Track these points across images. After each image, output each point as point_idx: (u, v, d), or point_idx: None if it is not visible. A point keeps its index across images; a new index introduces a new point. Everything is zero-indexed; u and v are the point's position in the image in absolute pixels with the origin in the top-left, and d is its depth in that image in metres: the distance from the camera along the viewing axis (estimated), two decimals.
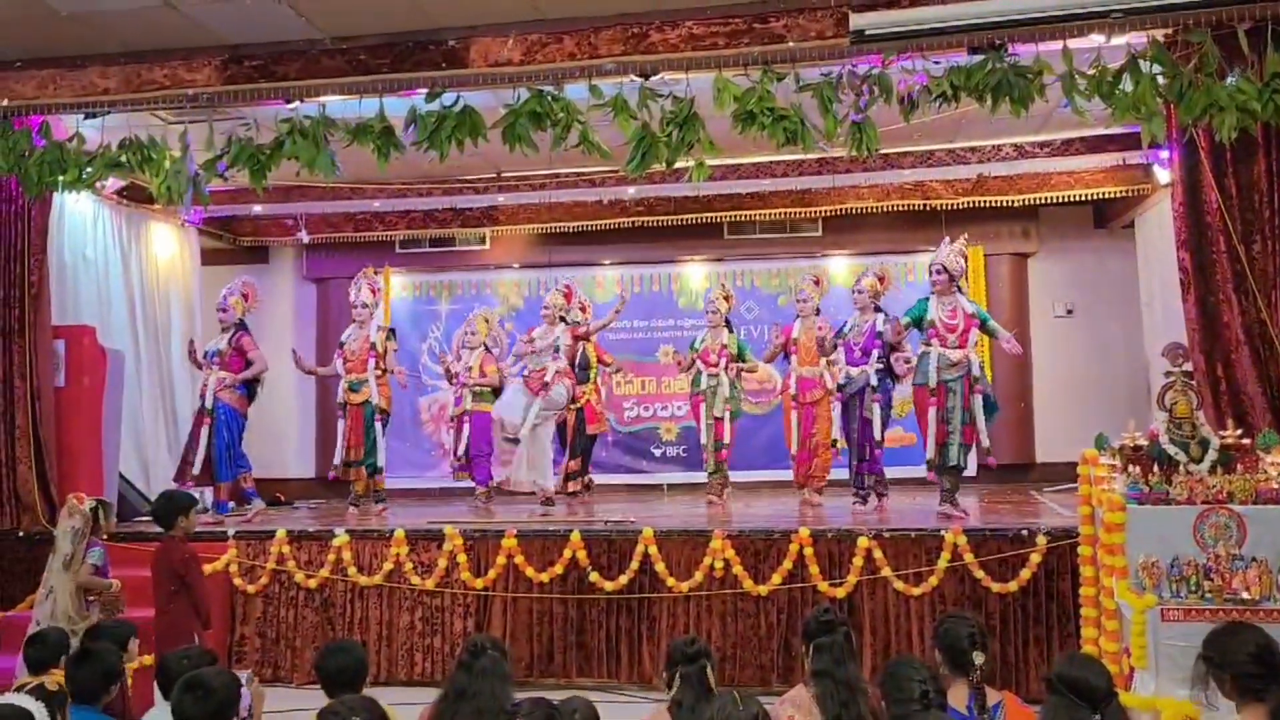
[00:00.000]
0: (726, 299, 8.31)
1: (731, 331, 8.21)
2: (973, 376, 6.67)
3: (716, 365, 8.01)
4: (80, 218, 7.92)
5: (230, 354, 7.63)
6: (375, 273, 8.45)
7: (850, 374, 7.35)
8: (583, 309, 8.90)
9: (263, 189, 5.89)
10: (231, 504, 7.82)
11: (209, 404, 7.54)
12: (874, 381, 7.23)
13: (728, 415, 7.98)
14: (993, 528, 6.23)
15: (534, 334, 8.05)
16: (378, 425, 7.87)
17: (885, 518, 6.93)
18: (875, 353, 7.23)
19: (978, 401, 6.66)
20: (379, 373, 7.90)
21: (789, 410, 7.83)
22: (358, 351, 7.92)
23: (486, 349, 8.48)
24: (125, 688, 4.13)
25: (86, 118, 5.99)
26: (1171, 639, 4.11)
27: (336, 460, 7.96)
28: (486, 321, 8.64)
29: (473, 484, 8.38)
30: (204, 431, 7.50)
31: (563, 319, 8.10)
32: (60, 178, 5.98)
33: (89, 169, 5.95)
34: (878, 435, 7.25)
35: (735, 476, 8.47)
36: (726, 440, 7.99)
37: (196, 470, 7.49)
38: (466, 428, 8.23)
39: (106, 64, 5.92)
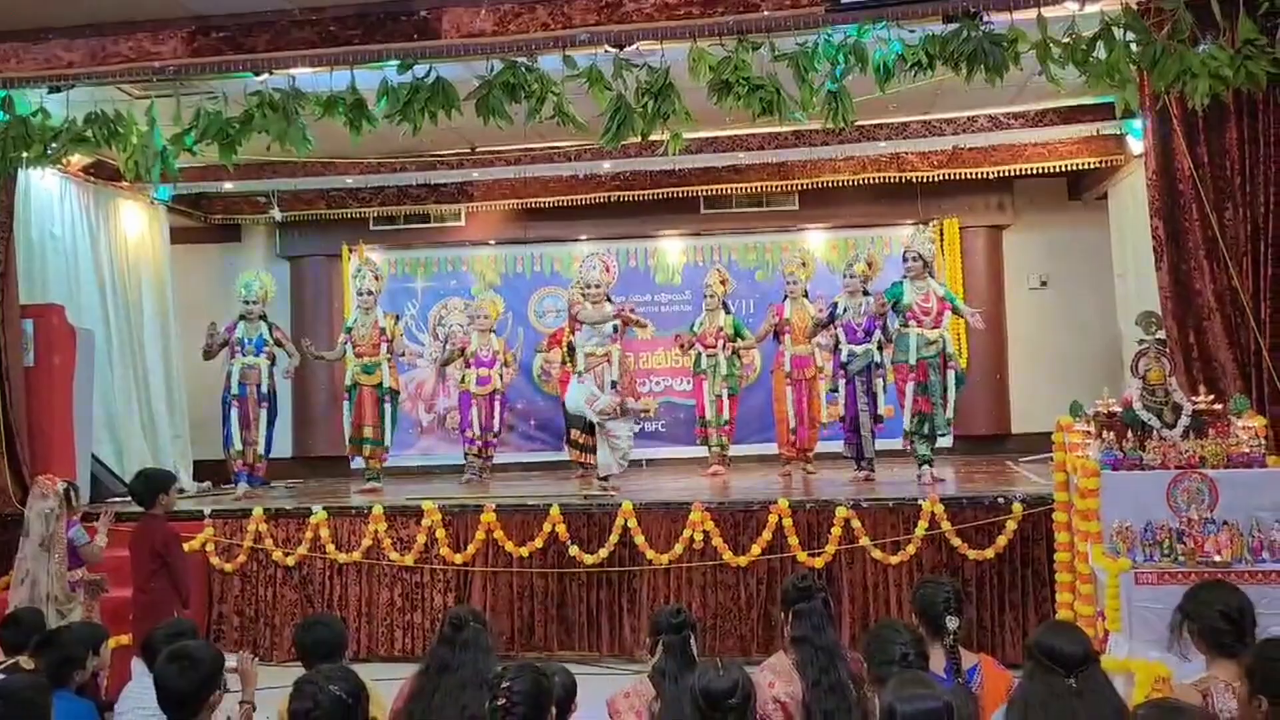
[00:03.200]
0: (723, 283, 8.57)
1: (729, 313, 8.48)
2: (946, 354, 7.07)
3: (715, 346, 8.31)
4: (47, 194, 7.78)
5: (273, 345, 8.09)
6: (357, 250, 8.55)
7: (855, 352, 7.49)
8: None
9: (232, 164, 5.81)
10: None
11: (265, 389, 7.98)
12: (878, 359, 7.44)
13: (725, 392, 8.28)
14: (969, 496, 6.31)
15: (579, 313, 7.51)
16: (388, 406, 8.11)
17: (863, 489, 6.99)
18: (876, 332, 7.43)
19: (950, 377, 7.06)
20: (392, 357, 8.22)
21: (781, 386, 8.17)
22: (368, 336, 8.13)
23: (495, 332, 8.94)
24: (96, 675, 4.11)
25: (50, 91, 5.85)
26: (1145, 602, 4.17)
27: (353, 438, 8.18)
28: (494, 304, 9.05)
29: (465, 460, 8.79)
30: (262, 414, 7.99)
31: (608, 297, 7.61)
32: (24, 154, 5.85)
33: (54, 144, 5.81)
34: (880, 409, 7.49)
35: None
36: (727, 416, 8.30)
37: (262, 449, 8.04)
38: (497, 406, 8.76)
39: (71, 37, 5.78)
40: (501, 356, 8.86)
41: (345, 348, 8.19)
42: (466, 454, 8.84)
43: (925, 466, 7.03)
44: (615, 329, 7.47)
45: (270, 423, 8.11)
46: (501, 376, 8.82)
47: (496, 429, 8.83)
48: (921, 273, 7.17)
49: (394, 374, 8.27)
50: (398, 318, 8.50)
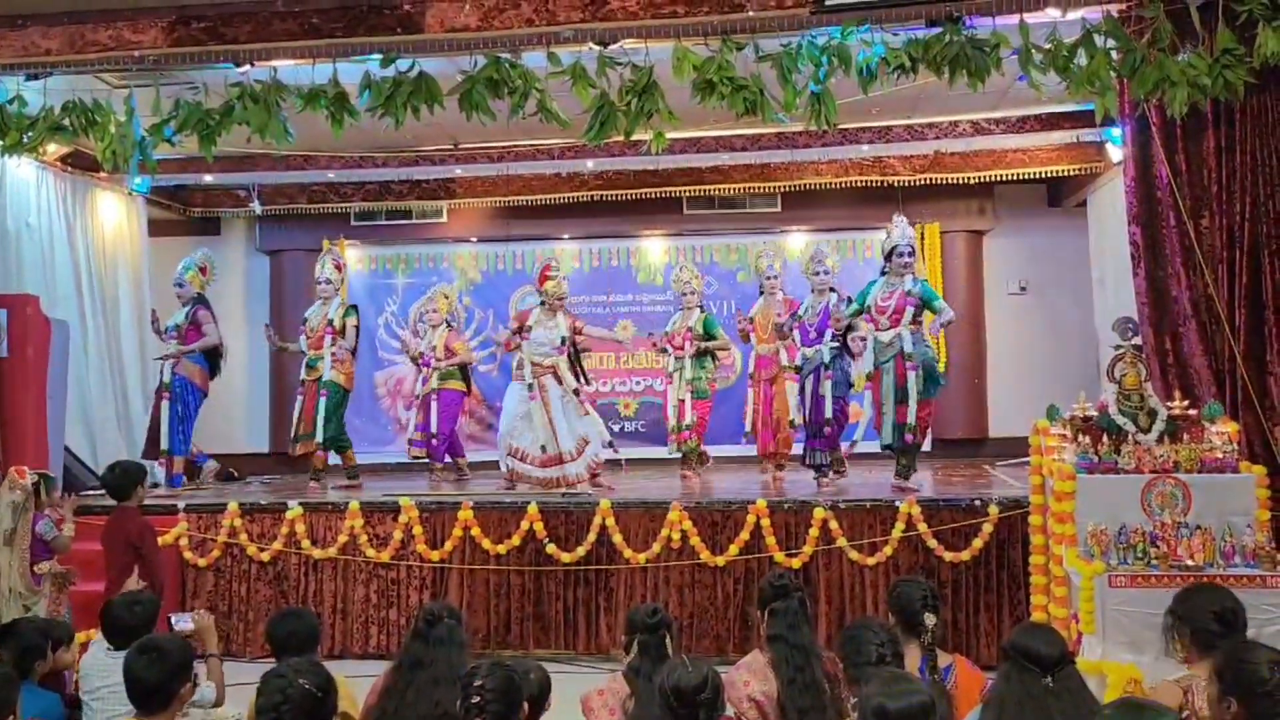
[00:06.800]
0: (696, 279, 8.43)
1: (703, 311, 8.33)
2: (904, 354, 6.67)
3: (681, 348, 8.14)
4: (23, 183, 7.70)
5: (187, 328, 7.78)
6: (335, 245, 8.34)
7: (805, 354, 7.39)
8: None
9: (212, 156, 5.75)
10: (184, 478, 7.78)
11: (167, 378, 7.68)
12: (826, 359, 7.21)
13: (689, 396, 8.09)
14: (946, 498, 6.33)
15: (530, 320, 7.43)
16: (323, 400, 7.69)
17: (842, 491, 6.98)
18: (829, 333, 7.25)
19: (911, 378, 6.64)
20: (335, 350, 7.82)
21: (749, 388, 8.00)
22: (317, 328, 7.88)
23: (449, 325, 8.46)
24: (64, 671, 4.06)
25: (28, 79, 5.79)
26: (1118, 604, 4.22)
27: (291, 436, 7.95)
28: (446, 298, 8.61)
29: (428, 460, 8.41)
30: (163, 405, 7.66)
31: (564, 310, 7.54)
32: (0, 141, 5.80)
33: (30, 133, 5.75)
34: (827, 413, 7.19)
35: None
36: (688, 421, 8.07)
37: (164, 444, 7.68)
38: (434, 405, 8.14)
39: (49, 24, 5.71)
40: (439, 353, 8.18)
41: (301, 340, 7.92)
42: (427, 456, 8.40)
43: (897, 477, 6.79)
44: (563, 340, 7.30)
45: (175, 416, 7.62)
46: (442, 376, 8.16)
47: (434, 429, 8.08)
48: (911, 267, 6.88)
49: (338, 369, 7.73)
50: (351, 309, 8.01)
